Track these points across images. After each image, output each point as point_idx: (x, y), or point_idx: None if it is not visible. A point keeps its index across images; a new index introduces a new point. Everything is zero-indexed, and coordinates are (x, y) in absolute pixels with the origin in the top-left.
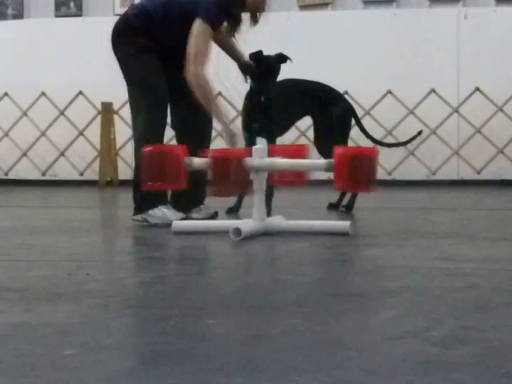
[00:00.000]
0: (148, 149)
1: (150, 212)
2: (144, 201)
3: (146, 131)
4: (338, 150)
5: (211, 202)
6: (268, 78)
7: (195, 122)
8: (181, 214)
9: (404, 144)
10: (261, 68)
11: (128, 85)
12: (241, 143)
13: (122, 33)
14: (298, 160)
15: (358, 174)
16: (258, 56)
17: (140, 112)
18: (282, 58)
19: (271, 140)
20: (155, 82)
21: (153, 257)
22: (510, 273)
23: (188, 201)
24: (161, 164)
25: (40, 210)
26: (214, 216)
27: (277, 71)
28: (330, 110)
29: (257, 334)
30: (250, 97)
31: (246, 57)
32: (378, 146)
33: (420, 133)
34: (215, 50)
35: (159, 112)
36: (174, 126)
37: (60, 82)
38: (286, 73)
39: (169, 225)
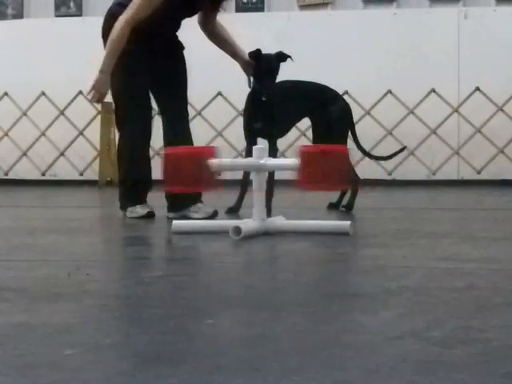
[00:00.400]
0: (170, 151)
1: (130, 209)
2: (127, 199)
3: (131, 142)
4: (302, 149)
5: (212, 202)
6: (267, 76)
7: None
8: (148, 208)
9: (387, 159)
10: (260, 67)
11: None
12: (102, 89)
13: (107, 24)
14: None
15: (321, 171)
16: (256, 54)
17: (124, 124)
18: (281, 57)
19: (272, 140)
20: (137, 94)
21: (153, 257)
22: (510, 273)
23: (183, 200)
24: (186, 167)
25: (40, 209)
26: (213, 215)
27: (276, 70)
28: (329, 110)
29: (257, 333)
30: (252, 97)
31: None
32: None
33: (403, 149)
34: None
35: (142, 123)
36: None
37: (60, 82)
38: (286, 73)
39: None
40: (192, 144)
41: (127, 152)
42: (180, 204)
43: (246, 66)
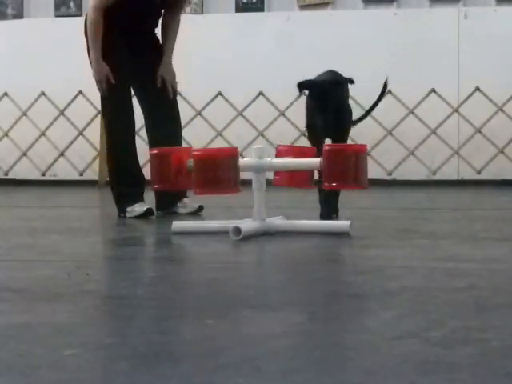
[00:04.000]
0: (154, 152)
1: (129, 209)
2: (122, 199)
3: (121, 141)
4: (325, 147)
5: (212, 201)
6: (322, 102)
7: (165, 125)
8: (146, 205)
9: (370, 111)
10: (313, 94)
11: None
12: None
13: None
14: (294, 159)
15: (347, 170)
16: (308, 83)
17: (111, 122)
18: (337, 83)
19: (339, 139)
20: (119, 92)
21: (153, 257)
22: (510, 273)
23: (172, 197)
24: (166, 166)
25: (40, 209)
26: (199, 210)
27: (333, 95)
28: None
29: (257, 333)
30: (313, 98)
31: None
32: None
33: (386, 85)
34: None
35: (125, 121)
36: (146, 128)
37: (60, 82)
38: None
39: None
40: (181, 145)
41: (118, 152)
42: (168, 201)
43: (162, 69)
